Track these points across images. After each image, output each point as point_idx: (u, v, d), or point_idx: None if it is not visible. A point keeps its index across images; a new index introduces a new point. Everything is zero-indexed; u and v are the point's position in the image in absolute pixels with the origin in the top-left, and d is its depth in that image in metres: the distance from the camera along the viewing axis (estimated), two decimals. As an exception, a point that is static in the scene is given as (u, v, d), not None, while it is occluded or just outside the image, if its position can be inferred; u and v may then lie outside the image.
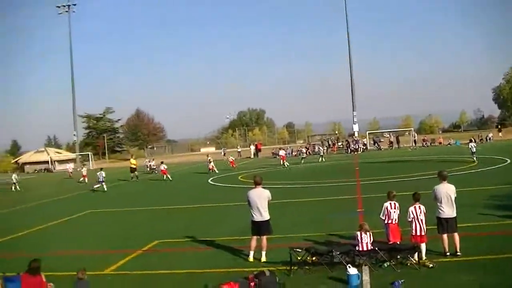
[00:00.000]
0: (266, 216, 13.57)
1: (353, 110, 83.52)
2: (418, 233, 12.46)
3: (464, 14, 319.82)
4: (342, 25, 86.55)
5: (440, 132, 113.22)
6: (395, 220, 12.99)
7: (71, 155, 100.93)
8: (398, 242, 12.78)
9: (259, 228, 13.59)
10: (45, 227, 22.98)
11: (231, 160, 56.58)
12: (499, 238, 14.29)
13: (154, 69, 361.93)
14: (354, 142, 73.02)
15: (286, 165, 49.83)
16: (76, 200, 35.25)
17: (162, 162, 48.58)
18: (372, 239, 12.37)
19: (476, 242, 13.69)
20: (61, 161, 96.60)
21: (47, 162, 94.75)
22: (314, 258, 12.39)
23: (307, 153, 64.55)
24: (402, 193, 15.56)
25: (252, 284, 11.23)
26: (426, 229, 12.57)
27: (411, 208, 12.63)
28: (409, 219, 12.58)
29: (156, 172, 52.63)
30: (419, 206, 12.64)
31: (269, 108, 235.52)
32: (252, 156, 76.63)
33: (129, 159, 52.32)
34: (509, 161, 36.78)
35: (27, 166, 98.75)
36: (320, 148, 62.25)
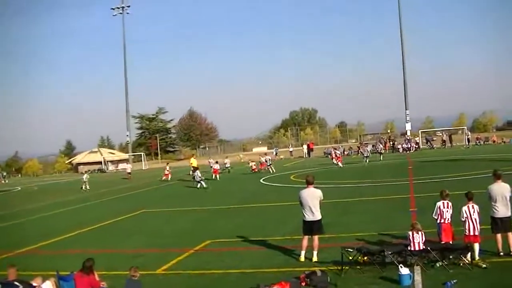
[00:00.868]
0: (318, 215, 13.61)
1: (405, 109, 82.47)
2: (472, 233, 12.32)
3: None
4: (395, 23, 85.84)
5: (494, 130, 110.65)
6: (448, 220, 12.86)
7: (124, 156, 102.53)
8: (451, 242, 12.65)
9: (311, 227, 13.64)
10: (100, 225, 23.55)
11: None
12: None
13: (207, 69, 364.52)
14: (406, 141, 72.18)
15: (340, 165, 48.53)
16: (134, 198, 36.04)
17: (216, 162, 48.98)
18: (424, 239, 12.28)
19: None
20: (114, 162, 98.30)
21: (100, 162, 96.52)
22: (365, 258, 12.39)
23: (361, 152, 63.85)
24: (455, 192, 15.37)
25: (303, 283, 11.33)
26: (480, 228, 12.43)
27: (465, 208, 12.50)
28: (463, 219, 12.45)
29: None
30: (473, 206, 12.49)
31: (321, 107, 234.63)
32: (305, 156, 76.42)
33: (189, 159, 52.95)
34: None
35: (81, 166, 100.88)
36: (380, 146, 61.67)
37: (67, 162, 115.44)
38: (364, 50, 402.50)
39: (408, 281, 10.85)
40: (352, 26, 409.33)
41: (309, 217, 13.62)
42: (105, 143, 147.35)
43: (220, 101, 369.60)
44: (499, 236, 12.49)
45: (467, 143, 71.23)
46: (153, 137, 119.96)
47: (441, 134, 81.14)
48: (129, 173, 60.70)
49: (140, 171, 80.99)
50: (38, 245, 19.49)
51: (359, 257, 12.45)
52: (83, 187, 46.84)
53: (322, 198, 13.79)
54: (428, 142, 75.91)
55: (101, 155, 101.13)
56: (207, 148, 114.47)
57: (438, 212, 12.89)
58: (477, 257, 12.05)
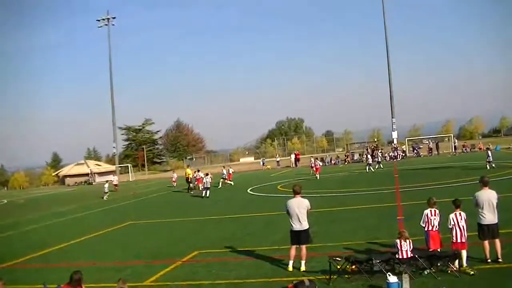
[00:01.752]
0: (305, 225, 13.63)
1: (392, 117, 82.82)
2: (459, 240, 12.36)
3: (504, 15, 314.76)
4: (380, 31, 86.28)
5: (480, 137, 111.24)
6: (436, 227, 12.88)
7: (111, 167, 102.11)
8: (439, 249, 12.68)
9: (299, 237, 13.64)
10: (87, 238, 23.41)
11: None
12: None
13: (193, 80, 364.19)
14: (393, 149, 72.48)
15: (317, 177, 47.03)
16: (120, 210, 35.85)
17: (226, 167, 50.77)
18: (412, 247, 12.28)
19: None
20: (101, 173, 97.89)
21: (87, 174, 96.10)
22: (353, 267, 12.38)
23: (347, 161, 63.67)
24: (442, 200, 15.43)
25: (292, 293, 11.30)
26: (467, 235, 12.47)
27: (452, 215, 12.54)
28: (450, 226, 12.50)
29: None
30: (460, 213, 12.54)
31: (308, 117, 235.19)
32: (292, 166, 76.55)
33: (185, 169, 55.33)
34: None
35: (68, 178, 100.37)
36: (369, 156, 58.12)
37: (53, 174, 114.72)
38: (350, 59, 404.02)
39: (397, 289, 10.86)
40: (338, 35, 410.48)
41: (296, 226, 13.62)
42: (92, 155, 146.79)
43: (207, 112, 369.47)
44: (486, 243, 12.53)
45: (454, 151, 71.59)
46: (140, 149, 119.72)
47: (428, 142, 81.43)
48: (116, 184, 60.45)
49: (128, 182, 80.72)
50: (26, 258, 19.30)
51: (347, 266, 12.43)
52: (105, 197, 46.66)
53: (309, 207, 13.80)
54: (415, 150, 76.23)
55: (88, 167, 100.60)
56: (194, 159, 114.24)
57: (426, 220, 12.90)
58: (464, 264, 12.08)
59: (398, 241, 12.36)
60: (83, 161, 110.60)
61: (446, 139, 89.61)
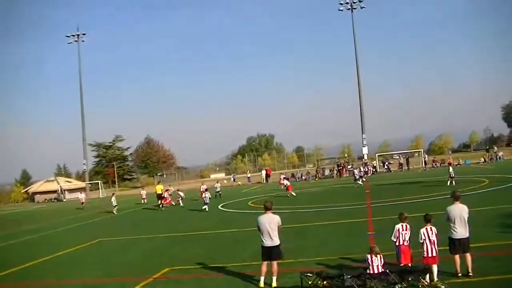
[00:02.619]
0: (276, 241, 13.57)
1: (362, 133, 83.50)
2: (430, 255, 12.38)
3: (473, 32, 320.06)
4: (350, 45, 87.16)
5: (450, 152, 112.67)
6: (407, 242, 12.90)
7: (81, 184, 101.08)
8: (410, 264, 12.70)
9: (270, 253, 13.57)
10: (57, 256, 23.01)
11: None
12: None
13: (163, 97, 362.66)
14: (364, 164, 72.94)
15: (292, 194, 44.58)
16: (90, 227, 35.33)
17: (177, 189, 49.30)
18: (383, 262, 12.30)
19: (488, 262, 13.57)
20: (71, 190, 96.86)
21: (57, 191, 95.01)
22: (325, 282, 12.33)
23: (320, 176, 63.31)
24: (413, 215, 15.48)
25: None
26: (438, 250, 12.50)
27: (423, 230, 12.57)
28: (421, 241, 12.52)
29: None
30: (431, 228, 12.57)
31: (278, 133, 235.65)
32: (263, 182, 76.61)
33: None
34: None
35: (37, 195, 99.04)
36: (355, 171, 56.27)
37: (23, 191, 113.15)
38: (320, 75, 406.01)
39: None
40: (307, 51, 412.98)
41: (267, 242, 13.55)
42: (62, 172, 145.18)
43: (177, 128, 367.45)
44: (457, 257, 12.58)
45: (424, 166, 72.27)
46: (110, 165, 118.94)
47: (398, 157, 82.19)
48: (83, 203, 59.53)
49: (98, 199, 79.94)
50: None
51: (319, 282, 12.38)
52: (114, 210, 44.93)
53: (280, 223, 13.75)
54: (385, 165, 76.81)
55: (58, 183, 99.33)
56: (164, 176, 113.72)
57: (397, 234, 12.92)
58: (435, 279, 12.09)
59: (369, 256, 12.37)
60: (53, 178, 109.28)
61: (416, 154, 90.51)
